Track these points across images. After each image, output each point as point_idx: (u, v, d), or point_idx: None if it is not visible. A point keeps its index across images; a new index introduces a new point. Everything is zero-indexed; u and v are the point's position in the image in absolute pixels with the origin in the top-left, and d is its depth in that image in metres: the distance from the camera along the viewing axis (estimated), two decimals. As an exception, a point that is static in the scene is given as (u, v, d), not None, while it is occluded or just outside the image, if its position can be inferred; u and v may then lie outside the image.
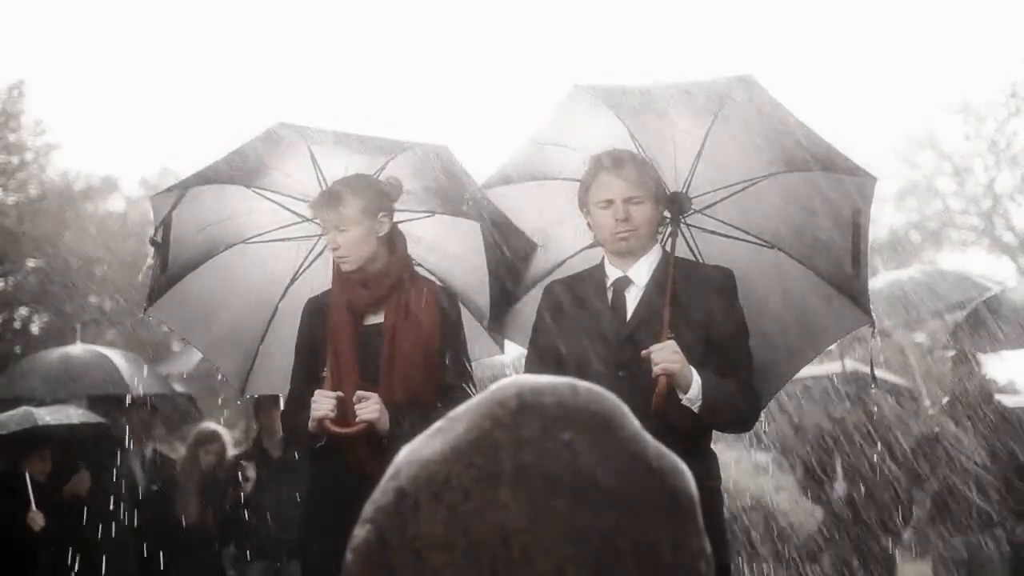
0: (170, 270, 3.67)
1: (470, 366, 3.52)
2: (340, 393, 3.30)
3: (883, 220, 21.45)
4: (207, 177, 3.54)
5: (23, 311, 18.82)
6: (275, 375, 3.88)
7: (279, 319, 3.88)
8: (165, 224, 3.54)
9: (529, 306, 3.49)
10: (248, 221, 3.77)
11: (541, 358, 3.23)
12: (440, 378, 3.40)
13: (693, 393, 3.02)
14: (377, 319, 3.44)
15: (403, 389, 3.34)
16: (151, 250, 3.66)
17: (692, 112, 3.20)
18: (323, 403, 3.29)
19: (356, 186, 3.40)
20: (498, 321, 3.65)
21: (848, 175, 3.17)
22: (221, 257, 3.80)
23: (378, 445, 3.22)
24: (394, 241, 3.49)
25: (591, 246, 3.42)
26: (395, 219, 3.55)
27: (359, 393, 3.28)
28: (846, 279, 3.28)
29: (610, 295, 3.21)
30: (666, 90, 3.16)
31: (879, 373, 6.96)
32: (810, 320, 3.41)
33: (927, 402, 6.71)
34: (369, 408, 3.27)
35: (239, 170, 3.51)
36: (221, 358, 3.98)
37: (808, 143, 3.13)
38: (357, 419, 3.27)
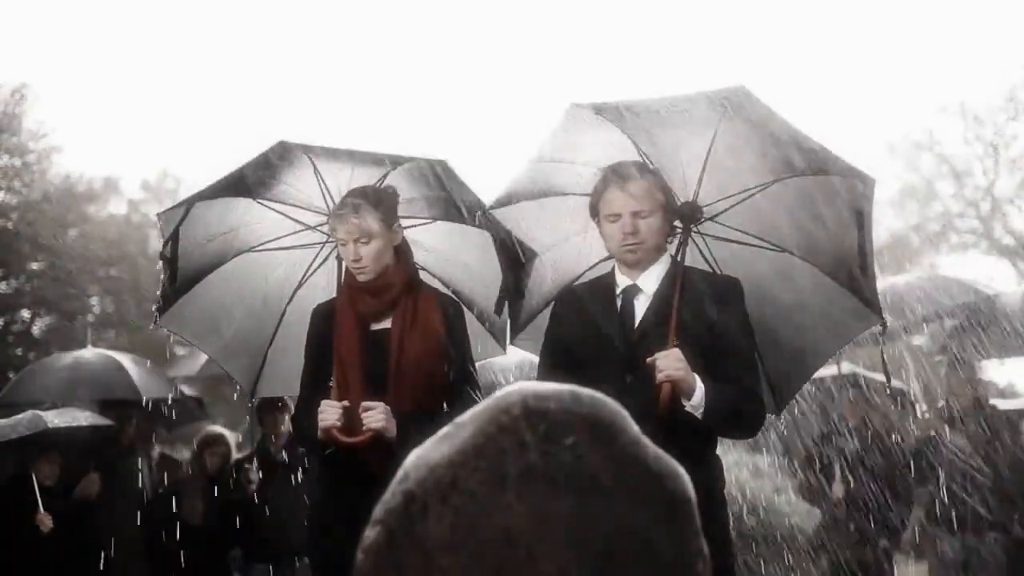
0: (179, 282, 3.73)
1: (475, 371, 3.56)
2: (346, 403, 3.34)
3: (883, 223, 21.43)
4: (213, 192, 3.61)
5: (25, 313, 18.80)
6: (285, 378, 3.94)
7: (287, 323, 3.94)
8: (173, 238, 3.61)
9: (544, 316, 3.55)
10: (254, 231, 3.83)
11: (552, 363, 3.29)
12: (446, 384, 3.43)
13: (696, 400, 3.07)
14: (383, 325, 3.48)
15: (410, 396, 3.36)
16: (153, 252, 3.74)
17: (694, 124, 3.24)
18: (329, 413, 3.32)
19: (374, 198, 3.44)
20: (515, 328, 3.71)
21: (848, 177, 3.22)
22: (228, 266, 3.87)
23: (386, 451, 3.24)
24: (402, 250, 3.54)
25: (606, 258, 3.46)
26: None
27: (365, 404, 3.31)
28: (855, 280, 3.33)
29: (619, 303, 3.26)
30: (665, 104, 3.21)
31: (877, 376, 7.00)
32: (824, 321, 3.46)
33: (923, 405, 6.75)
34: (375, 417, 3.29)
35: (244, 184, 3.58)
36: (231, 363, 4.04)
37: (807, 148, 3.18)
38: (364, 428, 3.30)
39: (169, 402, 7.46)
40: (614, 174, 3.24)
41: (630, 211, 3.19)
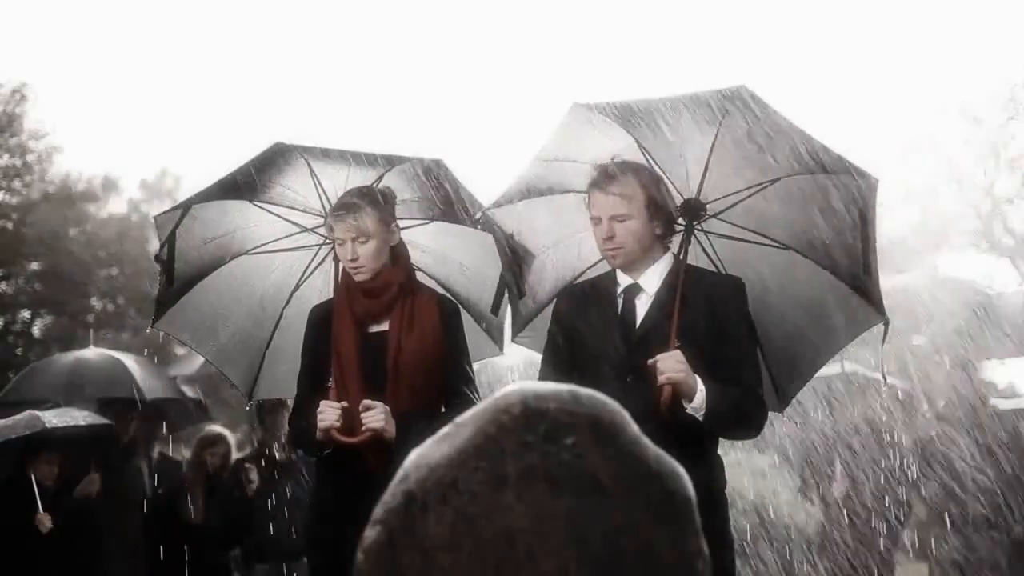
0: (176, 284, 3.74)
1: (472, 371, 3.55)
2: (345, 404, 3.33)
3: (882, 223, 21.38)
4: (209, 195, 3.61)
5: (25, 313, 18.81)
6: (282, 380, 3.93)
7: (284, 325, 3.94)
8: (169, 241, 3.62)
9: (545, 315, 3.55)
10: (250, 233, 3.84)
11: (553, 362, 3.27)
12: (444, 384, 3.43)
13: (697, 402, 3.04)
14: (381, 327, 3.47)
15: (408, 396, 3.36)
16: (152, 253, 3.74)
17: (696, 122, 3.22)
18: (328, 414, 3.31)
19: (372, 197, 3.43)
20: (516, 327, 3.71)
21: (851, 176, 3.21)
22: (226, 268, 3.87)
23: (385, 451, 3.24)
24: (398, 250, 3.53)
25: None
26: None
27: (365, 402, 3.30)
28: (858, 278, 3.31)
29: (620, 302, 3.23)
30: (666, 102, 3.19)
31: (878, 375, 6.99)
32: (828, 319, 3.44)
33: (925, 405, 6.75)
34: (375, 417, 3.28)
35: (240, 187, 3.58)
36: (228, 365, 4.04)
37: (810, 147, 3.16)
38: (363, 428, 3.29)
39: (172, 402, 7.45)
40: (598, 176, 3.19)
41: (608, 215, 3.15)
